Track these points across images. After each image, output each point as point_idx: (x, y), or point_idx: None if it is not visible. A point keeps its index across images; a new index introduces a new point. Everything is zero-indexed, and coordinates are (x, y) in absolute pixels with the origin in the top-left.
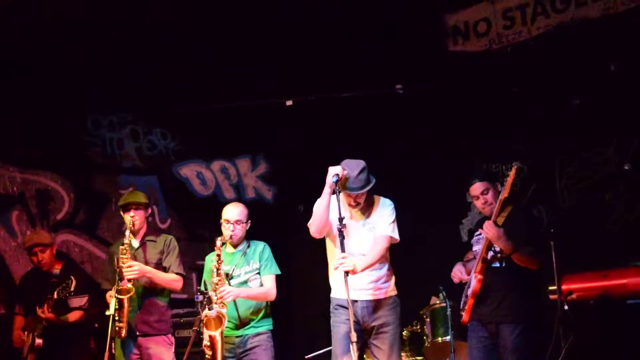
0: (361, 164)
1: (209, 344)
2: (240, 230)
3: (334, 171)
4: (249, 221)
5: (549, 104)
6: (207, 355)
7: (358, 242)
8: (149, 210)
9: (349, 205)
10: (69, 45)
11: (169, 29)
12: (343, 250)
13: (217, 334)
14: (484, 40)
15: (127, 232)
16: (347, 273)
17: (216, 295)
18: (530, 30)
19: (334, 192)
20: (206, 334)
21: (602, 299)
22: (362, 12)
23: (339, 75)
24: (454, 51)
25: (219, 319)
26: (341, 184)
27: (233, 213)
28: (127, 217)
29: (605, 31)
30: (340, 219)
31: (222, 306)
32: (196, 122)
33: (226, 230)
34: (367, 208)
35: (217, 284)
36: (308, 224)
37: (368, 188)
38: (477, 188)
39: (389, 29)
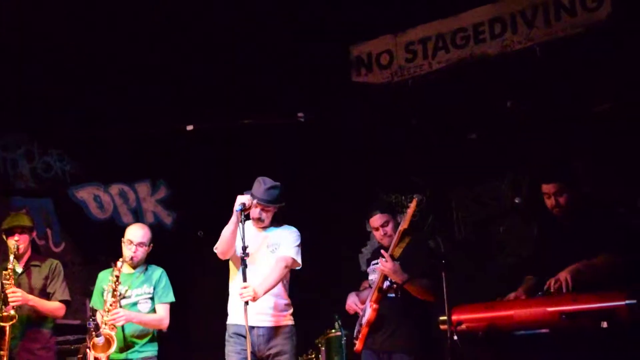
0: (277, 183)
1: None
2: (141, 253)
3: (240, 200)
4: (152, 245)
5: (446, 138)
6: None
7: (260, 264)
8: (34, 234)
9: (253, 218)
10: None
11: (68, 49)
12: (245, 279)
13: (103, 357)
14: (387, 73)
15: (12, 257)
16: (247, 303)
17: (108, 317)
18: (431, 64)
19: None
20: (91, 355)
21: (491, 330)
22: (266, 39)
23: (241, 101)
24: (357, 82)
25: (107, 341)
26: (252, 196)
27: (137, 234)
28: (11, 242)
29: (503, 68)
30: (244, 248)
31: (112, 328)
32: (95, 145)
33: (127, 250)
34: (272, 231)
35: (111, 305)
36: (214, 247)
37: (277, 205)
38: (377, 220)
39: (293, 57)
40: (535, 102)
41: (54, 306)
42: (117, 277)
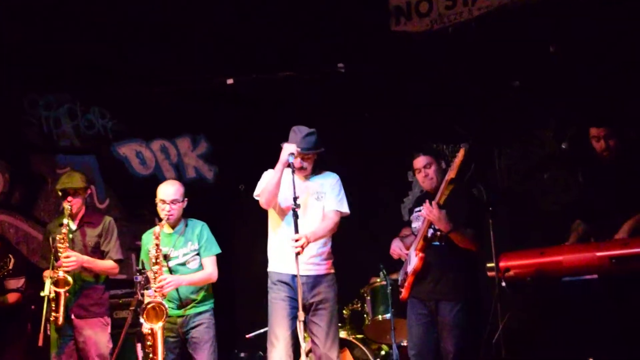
0: (312, 130)
1: (150, 332)
2: (176, 210)
3: (289, 149)
4: (186, 199)
5: (489, 85)
6: (148, 342)
7: (306, 212)
8: (88, 192)
9: (295, 168)
10: (3, 22)
11: (108, 7)
12: (297, 230)
13: (157, 327)
14: (426, 21)
15: (66, 220)
16: (298, 253)
17: (156, 284)
18: (472, 11)
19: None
20: (147, 325)
21: (539, 276)
22: None
23: (281, 53)
24: (396, 31)
25: (160, 310)
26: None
27: (169, 192)
28: (65, 205)
29: (546, 13)
30: (295, 199)
31: (162, 296)
32: (136, 101)
33: (162, 211)
34: (314, 179)
35: (156, 273)
36: (255, 195)
37: (316, 151)
38: (421, 161)
39: (333, 7)
40: (579, 46)
41: (108, 265)
42: (157, 245)
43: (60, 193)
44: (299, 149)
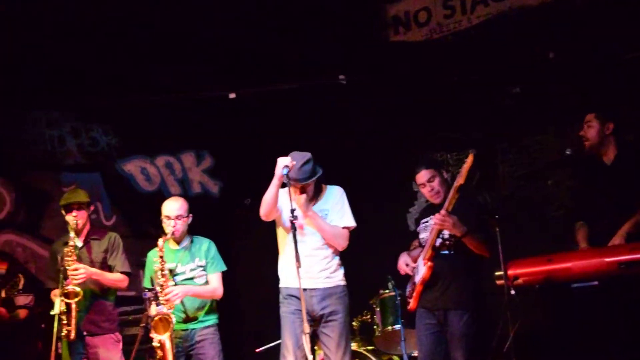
0: (307, 155)
1: (159, 344)
2: (181, 225)
3: (283, 162)
4: (190, 215)
5: (489, 93)
6: (158, 356)
7: (310, 230)
8: (91, 208)
9: (294, 194)
10: (6, 40)
11: (110, 21)
12: (295, 241)
13: (165, 337)
14: (425, 30)
15: (72, 234)
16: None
17: (163, 296)
18: (470, 19)
19: (284, 185)
20: (155, 337)
21: (547, 283)
22: (303, 3)
23: (282, 66)
24: (396, 41)
25: (167, 321)
26: (287, 177)
27: (173, 208)
28: (70, 218)
29: (544, 19)
30: (292, 211)
31: (171, 307)
32: (138, 117)
33: (167, 226)
34: (316, 197)
35: (162, 285)
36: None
37: (313, 179)
38: (423, 176)
39: (331, 19)
40: (577, 51)
41: (116, 277)
42: (161, 257)
43: (63, 210)
44: (294, 162)
